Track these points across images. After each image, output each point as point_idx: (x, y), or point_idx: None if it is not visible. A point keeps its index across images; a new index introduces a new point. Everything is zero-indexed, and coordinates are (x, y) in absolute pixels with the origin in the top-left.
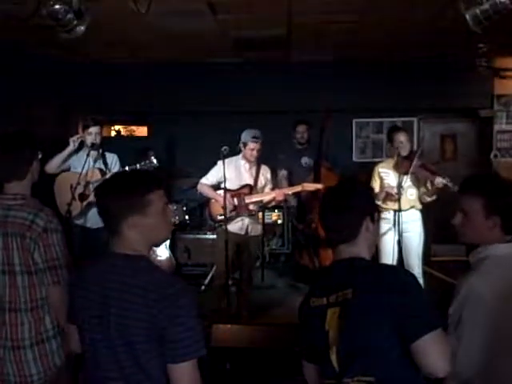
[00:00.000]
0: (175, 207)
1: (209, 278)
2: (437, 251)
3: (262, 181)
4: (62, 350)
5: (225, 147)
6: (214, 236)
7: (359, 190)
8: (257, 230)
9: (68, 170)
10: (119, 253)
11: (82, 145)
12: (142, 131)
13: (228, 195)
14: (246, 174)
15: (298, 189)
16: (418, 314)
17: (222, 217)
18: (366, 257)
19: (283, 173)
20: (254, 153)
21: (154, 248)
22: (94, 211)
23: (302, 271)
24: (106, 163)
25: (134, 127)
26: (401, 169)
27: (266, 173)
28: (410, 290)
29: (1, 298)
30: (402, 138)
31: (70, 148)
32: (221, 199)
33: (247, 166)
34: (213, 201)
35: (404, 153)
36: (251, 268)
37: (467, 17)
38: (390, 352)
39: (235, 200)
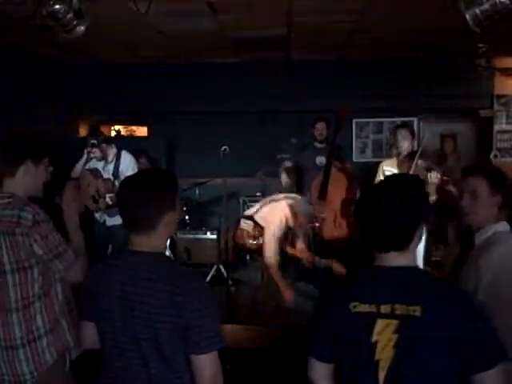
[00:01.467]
0: None
1: (209, 278)
2: (437, 251)
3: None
4: (54, 347)
5: (225, 147)
6: (215, 236)
7: (422, 188)
8: None
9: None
10: (141, 251)
11: None
12: (142, 131)
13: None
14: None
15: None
16: (486, 345)
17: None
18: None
19: (285, 164)
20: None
21: None
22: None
23: (302, 271)
24: (117, 166)
25: (134, 127)
26: (402, 168)
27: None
28: (480, 318)
29: None
30: (401, 134)
31: (84, 158)
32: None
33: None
34: (239, 228)
35: (403, 149)
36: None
37: (467, 17)
38: (447, 377)
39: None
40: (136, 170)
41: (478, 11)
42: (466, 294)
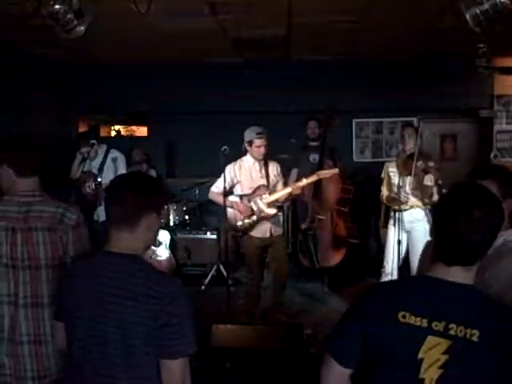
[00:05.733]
0: (175, 207)
1: (209, 277)
2: None
3: (272, 178)
4: None
5: (225, 147)
6: (215, 236)
7: (501, 208)
8: (279, 230)
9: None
10: (116, 252)
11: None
12: (141, 131)
13: (245, 200)
14: (257, 175)
15: (313, 178)
16: None
17: (241, 223)
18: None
19: (294, 171)
20: (262, 149)
21: (154, 248)
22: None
23: (302, 271)
24: (104, 162)
25: (134, 127)
26: (403, 169)
27: (274, 169)
28: None
29: (24, 294)
30: (405, 133)
31: (78, 159)
32: (236, 207)
33: (257, 165)
34: (230, 210)
35: (407, 148)
36: (286, 265)
37: (467, 17)
38: None
39: (253, 204)
40: (121, 167)
41: (478, 11)
42: None
